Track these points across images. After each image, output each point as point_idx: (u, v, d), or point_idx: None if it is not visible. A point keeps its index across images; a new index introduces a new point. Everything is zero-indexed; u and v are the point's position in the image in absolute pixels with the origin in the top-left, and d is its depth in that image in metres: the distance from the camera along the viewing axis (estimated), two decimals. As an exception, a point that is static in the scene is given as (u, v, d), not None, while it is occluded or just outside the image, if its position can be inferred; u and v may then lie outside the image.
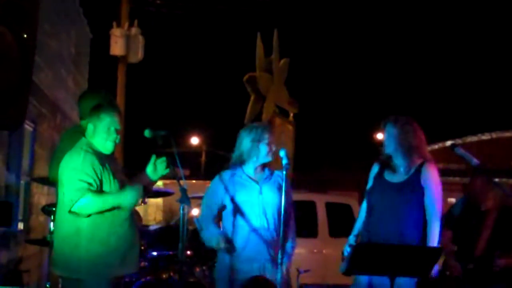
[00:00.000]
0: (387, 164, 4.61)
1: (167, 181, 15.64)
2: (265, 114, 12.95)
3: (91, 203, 3.98)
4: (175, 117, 35.03)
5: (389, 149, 4.58)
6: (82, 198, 3.96)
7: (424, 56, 43.03)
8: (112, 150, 4.26)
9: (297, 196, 7.48)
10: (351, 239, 4.64)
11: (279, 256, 4.20)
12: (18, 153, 8.63)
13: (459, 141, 23.58)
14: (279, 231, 4.30)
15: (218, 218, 4.53)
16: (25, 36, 4.61)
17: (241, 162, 4.54)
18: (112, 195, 4.08)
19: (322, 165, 29.07)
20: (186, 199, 4.06)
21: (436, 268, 4.22)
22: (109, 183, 4.11)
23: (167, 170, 4.35)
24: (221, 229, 4.50)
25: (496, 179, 5.06)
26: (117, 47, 14.88)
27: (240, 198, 4.44)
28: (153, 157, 4.35)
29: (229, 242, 4.36)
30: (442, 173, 4.59)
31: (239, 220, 4.42)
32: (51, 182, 4.54)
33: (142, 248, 5.48)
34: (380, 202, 4.53)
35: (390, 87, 39.40)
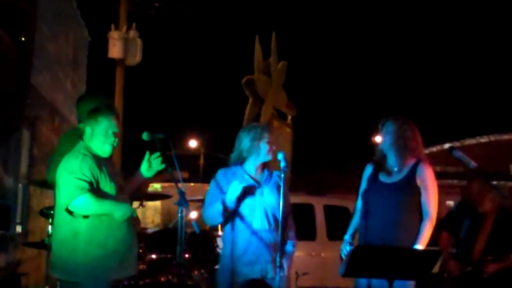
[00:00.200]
0: (380, 165, 4.61)
1: (166, 184, 15.64)
2: (263, 117, 12.96)
3: (88, 203, 3.97)
4: (173, 120, 35.04)
5: (384, 144, 4.57)
6: (80, 196, 3.96)
7: (422, 59, 43.07)
8: (110, 153, 4.27)
9: (295, 199, 7.47)
10: (348, 238, 4.64)
11: (277, 258, 4.20)
12: (16, 156, 8.62)
13: (457, 143, 23.58)
14: (279, 233, 4.31)
15: None
16: (23, 39, 4.61)
17: (241, 161, 4.54)
18: (108, 202, 4.09)
19: (320, 168, 29.09)
20: (184, 202, 4.06)
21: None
22: (106, 186, 4.11)
23: (163, 166, 4.35)
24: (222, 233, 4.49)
25: (494, 182, 5.06)
26: (115, 50, 14.90)
27: (244, 201, 4.44)
28: (147, 154, 4.36)
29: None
30: (440, 175, 4.60)
31: (240, 222, 4.42)
32: (49, 185, 4.54)
33: (141, 251, 5.47)
34: (375, 203, 4.53)
35: (388, 90, 39.45)
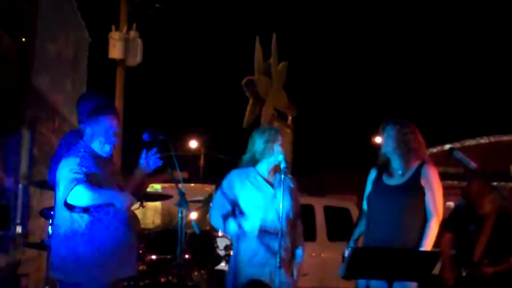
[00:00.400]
0: (384, 168, 4.60)
1: (166, 185, 15.63)
2: (263, 117, 12.97)
3: (84, 192, 3.95)
4: (174, 120, 35.02)
5: (386, 148, 4.56)
6: (76, 187, 3.94)
7: (422, 60, 43.06)
8: (110, 153, 4.27)
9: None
10: (352, 243, 4.64)
11: (278, 260, 4.20)
12: (16, 156, 8.62)
13: (457, 144, 23.57)
14: (290, 236, 4.34)
15: (233, 214, 4.52)
16: (23, 40, 4.61)
17: (253, 163, 4.53)
18: (107, 191, 4.07)
19: (320, 169, 29.08)
20: (184, 202, 4.06)
21: None
22: (106, 186, 4.11)
23: (160, 163, 4.34)
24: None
25: (494, 183, 5.06)
26: (115, 51, 14.91)
27: (255, 203, 4.44)
28: (144, 152, 4.35)
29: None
30: (440, 176, 4.58)
31: (252, 224, 4.42)
32: (49, 185, 4.54)
33: (140, 251, 5.47)
34: (380, 206, 4.52)
35: (388, 91, 39.44)
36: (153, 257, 5.69)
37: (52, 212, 4.59)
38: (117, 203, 4.08)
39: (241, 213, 4.47)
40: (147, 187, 4.70)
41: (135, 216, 5.91)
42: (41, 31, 9.02)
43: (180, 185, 4.06)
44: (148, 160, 4.35)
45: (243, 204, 4.47)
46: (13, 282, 7.74)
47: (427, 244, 4.31)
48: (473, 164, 4.24)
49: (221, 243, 6.26)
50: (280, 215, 4.39)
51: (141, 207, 5.48)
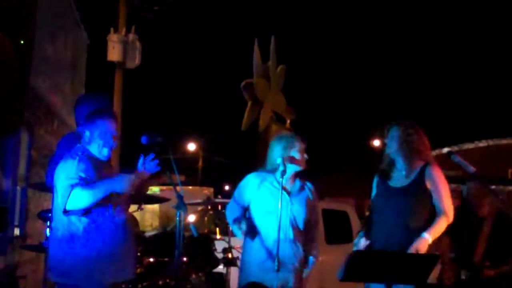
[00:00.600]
0: (389, 171, 4.60)
1: (164, 188, 15.62)
2: (262, 121, 12.96)
3: (81, 193, 3.92)
4: (172, 123, 35.04)
5: (390, 149, 4.56)
6: (71, 192, 3.92)
7: (421, 63, 43.14)
8: (108, 156, 4.26)
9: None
10: (360, 239, 4.60)
11: (276, 263, 4.20)
12: (14, 158, 8.61)
13: (456, 148, 23.60)
14: (301, 243, 4.36)
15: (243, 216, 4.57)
16: (22, 42, 4.60)
17: (273, 170, 4.54)
18: (102, 181, 4.03)
19: (318, 172, 29.08)
20: (182, 205, 4.05)
21: None
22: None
23: (158, 168, 4.32)
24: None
25: (493, 186, 5.06)
26: (114, 53, 14.90)
27: (267, 208, 4.44)
28: (142, 157, 4.33)
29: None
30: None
31: (265, 230, 4.42)
32: (47, 187, 4.53)
33: (138, 254, 5.46)
34: (384, 208, 4.52)
35: (387, 94, 39.50)
36: (151, 259, 5.68)
37: (50, 215, 4.58)
38: (118, 189, 4.04)
39: (249, 217, 4.49)
40: (147, 189, 4.69)
41: (134, 218, 5.90)
42: (39, 33, 9.02)
43: (178, 188, 4.05)
44: (146, 165, 4.33)
45: (255, 208, 4.49)
46: (11, 284, 7.71)
47: (432, 233, 4.29)
48: (471, 168, 4.24)
49: (219, 245, 6.26)
50: (293, 222, 4.41)
51: (139, 210, 5.47)
